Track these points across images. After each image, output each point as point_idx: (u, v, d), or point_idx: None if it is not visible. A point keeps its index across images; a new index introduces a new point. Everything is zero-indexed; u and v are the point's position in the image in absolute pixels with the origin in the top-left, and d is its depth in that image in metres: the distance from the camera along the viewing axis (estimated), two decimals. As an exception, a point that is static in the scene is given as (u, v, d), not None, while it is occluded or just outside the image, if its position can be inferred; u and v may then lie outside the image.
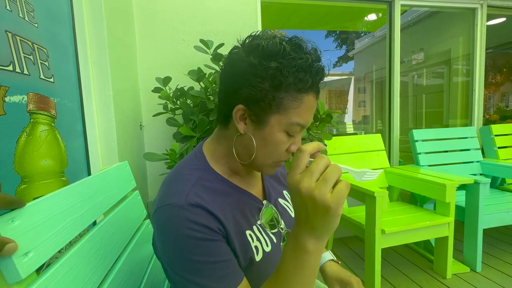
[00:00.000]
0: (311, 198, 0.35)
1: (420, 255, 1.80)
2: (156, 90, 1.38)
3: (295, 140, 0.49)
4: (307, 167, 0.37)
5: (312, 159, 0.38)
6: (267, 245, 0.52)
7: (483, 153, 2.15)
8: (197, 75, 1.34)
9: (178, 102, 1.39)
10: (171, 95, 1.38)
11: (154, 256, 0.77)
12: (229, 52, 0.50)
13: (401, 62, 2.17)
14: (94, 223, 0.53)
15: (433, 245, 1.63)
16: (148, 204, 1.54)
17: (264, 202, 0.56)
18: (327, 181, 0.35)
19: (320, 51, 0.48)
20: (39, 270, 0.36)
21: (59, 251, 0.40)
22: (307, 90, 0.45)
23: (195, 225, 0.41)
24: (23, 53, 0.69)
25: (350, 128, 5.04)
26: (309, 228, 0.37)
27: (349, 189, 0.36)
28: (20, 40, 0.68)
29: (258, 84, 0.44)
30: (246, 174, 0.55)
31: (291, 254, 0.39)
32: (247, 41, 0.48)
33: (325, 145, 0.43)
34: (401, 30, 2.14)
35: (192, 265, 0.41)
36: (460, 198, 1.67)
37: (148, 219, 0.82)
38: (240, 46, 0.48)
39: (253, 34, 0.48)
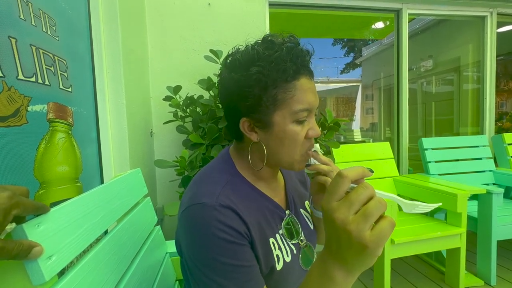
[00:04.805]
0: (345, 231, 0.31)
1: (431, 267, 1.75)
2: (167, 98, 1.42)
3: (310, 125, 0.49)
4: (348, 192, 0.33)
5: (354, 185, 0.33)
6: (288, 255, 0.52)
7: (495, 162, 2.10)
8: (207, 84, 1.38)
9: (188, 110, 1.42)
10: (181, 103, 1.41)
11: (165, 260, 0.78)
12: (218, 75, 0.53)
13: (409, 69, 2.17)
14: (106, 230, 0.55)
15: (445, 256, 1.59)
16: (157, 210, 1.56)
17: (287, 212, 0.56)
18: (367, 216, 0.30)
19: (296, 36, 0.49)
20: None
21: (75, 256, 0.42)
22: (294, 76, 0.46)
23: (224, 227, 0.42)
24: (45, 65, 0.73)
25: (358, 136, 5.00)
26: (339, 260, 0.34)
27: (394, 228, 0.31)
28: (43, 52, 0.72)
29: (248, 93, 0.46)
30: (271, 181, 0.56)
31: (317, 280, 0.36)
32: (227, 60, 0.51)
33: (371, 171, 0.37)
34: (409, 37, 2.14)
35: (217, 265, 0.42)
36: (472, 208, 1.63)
37: (159, 225, 0.83)
38: (224, 67, 0.51)
39: (229, 52, 0.51)
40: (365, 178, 0.35)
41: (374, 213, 0.31)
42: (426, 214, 1.76)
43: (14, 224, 0.32)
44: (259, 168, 0.52)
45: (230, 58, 0.50)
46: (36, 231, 0.33)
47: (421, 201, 0.36)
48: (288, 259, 0.52)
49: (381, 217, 0.32)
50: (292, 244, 0.54)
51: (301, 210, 0.61)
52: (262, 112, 0.46)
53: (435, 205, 0.35)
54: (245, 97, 0.46)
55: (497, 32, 2.29)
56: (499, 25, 2.33)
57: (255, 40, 0.51)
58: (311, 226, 0.61)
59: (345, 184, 0.33)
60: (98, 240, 0.49)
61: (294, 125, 0.47)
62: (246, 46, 0.50)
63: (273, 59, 0.45)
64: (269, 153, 0.49)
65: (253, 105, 0.46)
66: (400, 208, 0.38)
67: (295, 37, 0.49)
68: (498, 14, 2.27)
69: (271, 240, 0.50)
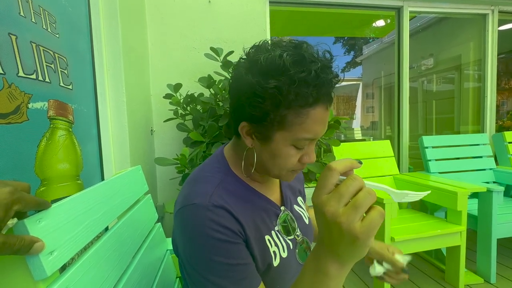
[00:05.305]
0: (336, 224, 0.31)
1: (431, 265, 1.76)
2: (167, 96, 1.42)
3: (307, 150, 0.47)
4: (337, 184, 0.33)
5: (343, 177, 0.33)
6: (284, 251, 0.52)
7: (496, 160, 2.10)
8: (207, 82, 1.38)
9: (188, 108, 1.42)
10: (181, 101, 1.41)
11: (166, 258, 0.79)
12: (235, 63, 0.50)
13: (410, 68, 2.16)
14: (107, 227, 0.55)
15: (445, 254, 1.60)
16: (158, 207, 1.56)
17: (282, 208, 0.57)
18: (357, 208, 0.31)
19: (331, 55, 0.45)
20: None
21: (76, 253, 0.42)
22: (311, 104, 0.42)
23: (217, 226, 0.42)
24: (46, 62, 0.73)
25: (358, 134, 5.00)
26: (332, 253, 0.34)
27: (383, 218, 0.31)
28: (43, 50, 0.72)
29: (258, 104, 0.43)
30: (265, 179, 0.56)
31: (310, 274, 0.36)
32: (251, 51, 0.47)
33: (360, 162, 0.36)
34: (410, 35, 2.13)
35: (212, 265, 0.42)
36: (472, 206, 1.63)
37: (159, 223, 0.84)
38: (245, 57, 0.48)
39: (257, 44, 0.47)
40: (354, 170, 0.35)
41: (363, 204, 0.31)
42: (426, 212, 1.77)
43: (15, 219, 0.32)
44: (248, 175, 0.51)
45: (254, 53, 0.46)
46: (37, 226, 0.33)
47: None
48: (284, 255, 0.52)
49: (371, 207, 0.32)
50: (288, 239, 0.55)
51: (295, 206, 0.62)
52: (265, 126, 0.44)
53: (424, 193, 0.35)
54: (254, 106, 0.44)
55: (498, 30, 2.29)
56: (500, 23, 2.32)
57: (255, 42, 0.47)
58: (306, 221, 0.62)
59: (334, 177, 0.33)
60: (98, 236, 0.50)
61: (292, 148, 0.46)
62: (275, 44, 0.45)
63: (296, 79, 0.41)
64: (259, 161, 0.49)
65: (259, 116, 0.44)
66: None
67: (331, 54, 0.45)
68: (499, 12, 2.26)
69: (267, 237, 0.50)
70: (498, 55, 2.30)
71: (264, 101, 0.43)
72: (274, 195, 0.57)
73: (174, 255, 0.85)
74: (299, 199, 0.66)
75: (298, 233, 0.57)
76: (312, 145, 0.48)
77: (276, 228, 0.53)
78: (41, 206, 0.35)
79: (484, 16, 2.29)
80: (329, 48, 0.45)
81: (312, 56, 0.43)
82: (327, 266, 0.34)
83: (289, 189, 0.63)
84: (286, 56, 0.42)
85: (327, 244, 0.34)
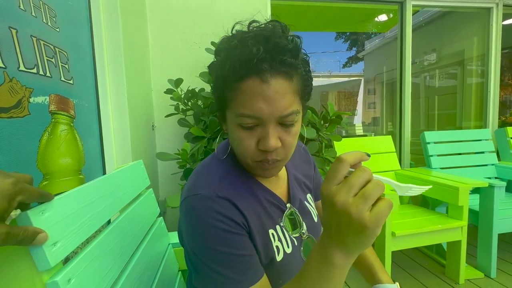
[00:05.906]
0: (346, 214, 0.31)
1: (431, 259, 1.76)
2: (168, 91, 1.41)
3: (261, 135, 0.43)
4: (346, 177, 0.33)
5: (352, 169, 0.34)
6: (288, 246, 0.52)
7: (498, 156, 2.09)
8: (208, 76, 1.37)
9: (189, 103, 1.42)
10: (182, 96, 1.41)
11: (167, 251, 0.79)
12: None
13: (412, 63, 2.15)
14: (109, 221, 0.55)
15: (445, 249, 1.60)
16: (159, 202, 1.57)
17: (288, 205, 0.56)
18: (366, 198, 0.31)
19: (285, 29, 0.43)
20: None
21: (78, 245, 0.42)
22: (243, 76, 0.40)
23: (221, 217, 0.43)
24: (46, 56, 0.73)
25: (359, 130, 4.98)
26: (339, 242, 0.34)
27: (392, 208, 0.32)
28: (44, 44, 0.72)
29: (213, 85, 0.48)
30: None
31: (316, 264, 0.37)
32: None
33: (368, 155, 0.36)
34: (413, 30, 2.11)
35: (216, 254, 0.42)
36: (473, 202, 1.63)
37: (161, 217, 0.84)
38: None
39: None
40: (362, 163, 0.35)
41: (373, 194, 0.31)
42: (427, 207, 1.77)
43: (18, 211, 0.32)
44: (222, 157, 0.53)
45: None
46: (40, 218, 0.34)
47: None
48: (288, 250, 0.52)
49: (379, 198, 0.33)
50: (294, 236, 0.54)
51: (305, 203, 0.61)
52: (218, 107, 0.47)
53: (427, 187, 0.36)
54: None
55: (503, 25, 2.26)
56: (505, 17, 2.29)
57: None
58: (315, 219, 0.61)
59: (344, 168, 0.33)
60: (101, 229, 0.50)
61: (240, 129, 0.44)
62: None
63: (224, 54, 0.42)
64: (231, 145, 0.51)
65: (214, 97, 0.48)
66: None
67: (283, 27, 0.43)
68: (504, 5, 2.23)
69: (271, 231, 0.50)
70: (502, 50, 2.27)
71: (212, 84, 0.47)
72: (279, 190, 0.57)
73: (176, 249, 0.85)
74: (309, 196, 0.65)
75: (304, 230, 0.56)
76: (265, 129, 0.43)
77: (282, 224, 0.53)
78: (44, 198, 0.35)
79: (488, 10, 2.26)
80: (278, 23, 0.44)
81: (250, 30, 0.42)
82: (333, 256, 0.35)
83: (297, 184, 0.62)
84: (225, 37, 0.44)
85: (334, 234, 0.34)
